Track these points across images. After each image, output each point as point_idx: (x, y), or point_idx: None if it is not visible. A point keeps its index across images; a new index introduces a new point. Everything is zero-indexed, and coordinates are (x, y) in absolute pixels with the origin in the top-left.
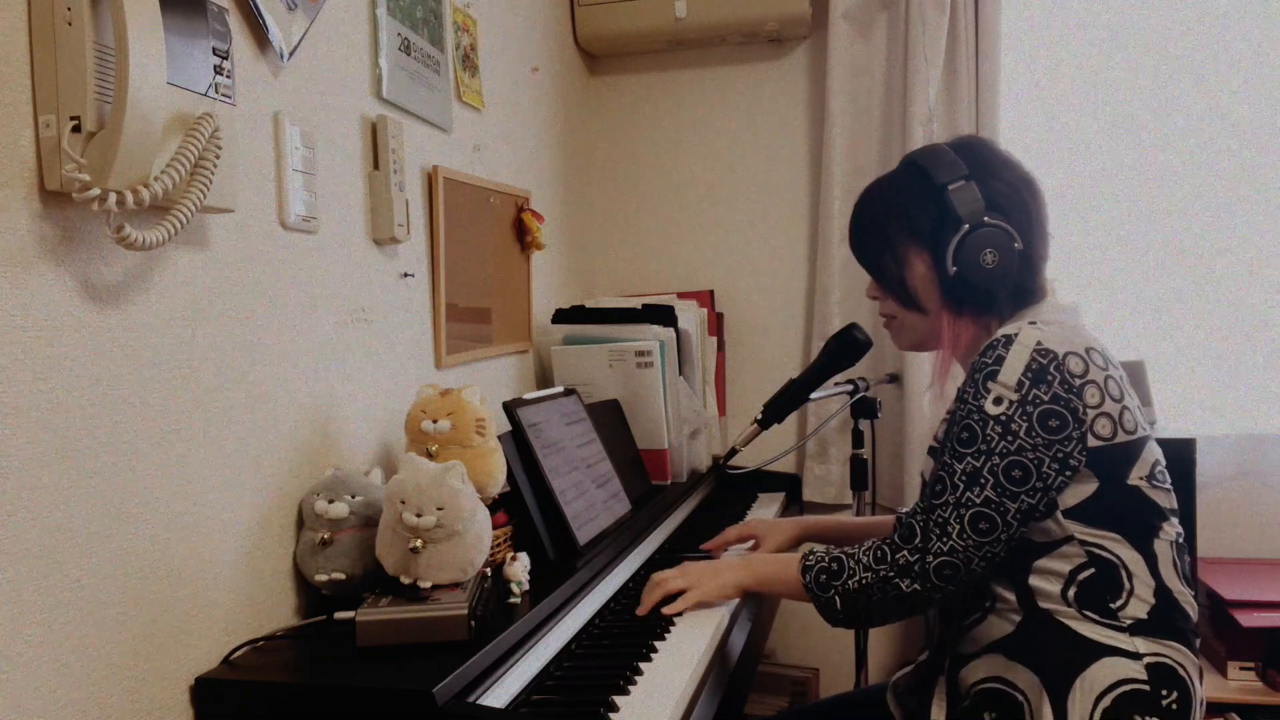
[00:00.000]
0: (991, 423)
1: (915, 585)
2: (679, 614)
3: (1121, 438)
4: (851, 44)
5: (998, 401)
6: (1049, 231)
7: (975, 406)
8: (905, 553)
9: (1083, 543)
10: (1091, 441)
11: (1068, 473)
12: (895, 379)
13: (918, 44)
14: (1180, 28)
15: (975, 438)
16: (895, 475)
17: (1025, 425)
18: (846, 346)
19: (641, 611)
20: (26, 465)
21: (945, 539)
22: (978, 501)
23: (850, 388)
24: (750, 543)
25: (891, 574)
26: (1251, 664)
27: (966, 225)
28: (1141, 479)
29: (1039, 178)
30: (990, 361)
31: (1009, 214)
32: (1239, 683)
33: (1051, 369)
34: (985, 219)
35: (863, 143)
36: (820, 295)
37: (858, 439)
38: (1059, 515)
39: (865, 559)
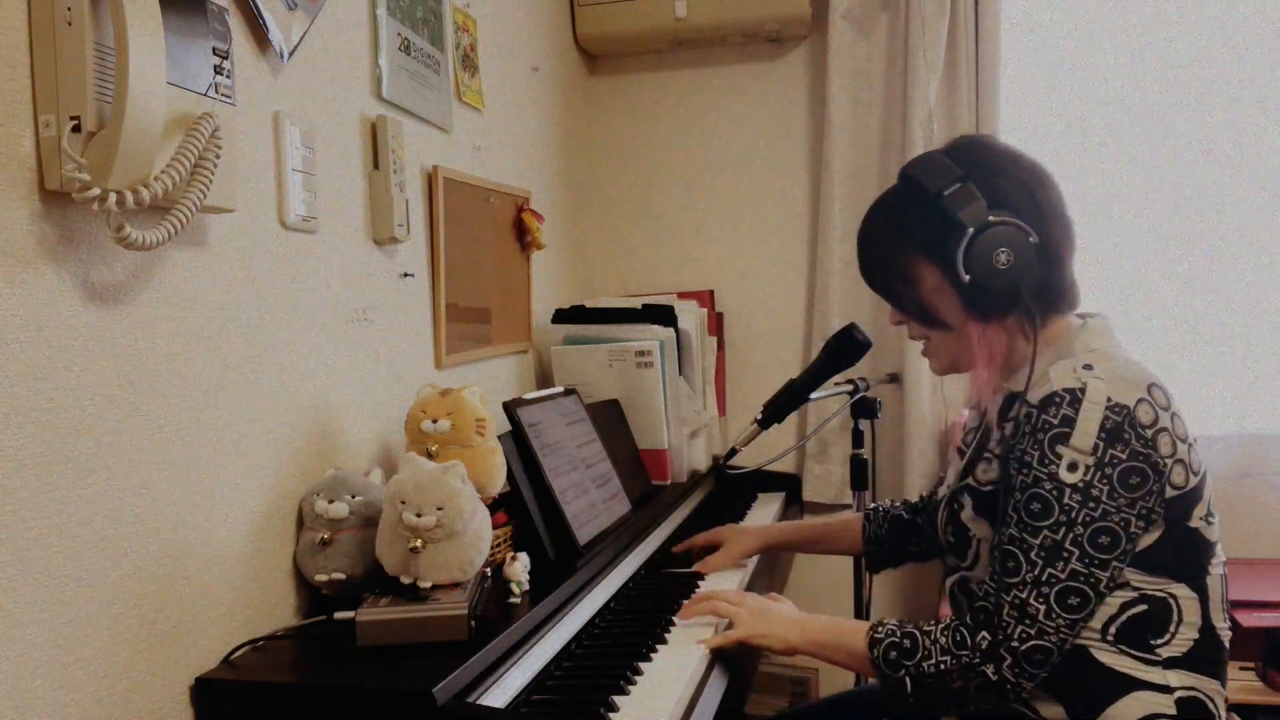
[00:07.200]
0: (1069, 491)
1: (1004, 672)
2: (718, 648)
3: (1192, 482)
4: (851, 44)
5: (1073, 468)
6: (1070, 219)
7: (1046, 474)
8: (985, 634)
9: (1137, 588)
10: (1169, 492)
11: (1150, 527)
12: (895, 379)
13: (918, 44)
14: (1180, 28)
15: (1051, 509)
16: (895, 475)
17: (1106, 488)
18: (846, 346)
19: (683, 618)
20: (26, 465)
21: (1029, 622)
22: (1063, 576)
23: (850, 388)
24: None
25: (976, 660)
26: (1251, 664)
27: (971, 229)
28: (1201, 519)
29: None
30: (1056, 422)
31: (1016, 209)
32: (1239, 683)
33: (1126, 426)
34: (990, 219)
35: (863, 143)
36: (820, 295)
37: (858, 439)
38: None
39: (943, 640)
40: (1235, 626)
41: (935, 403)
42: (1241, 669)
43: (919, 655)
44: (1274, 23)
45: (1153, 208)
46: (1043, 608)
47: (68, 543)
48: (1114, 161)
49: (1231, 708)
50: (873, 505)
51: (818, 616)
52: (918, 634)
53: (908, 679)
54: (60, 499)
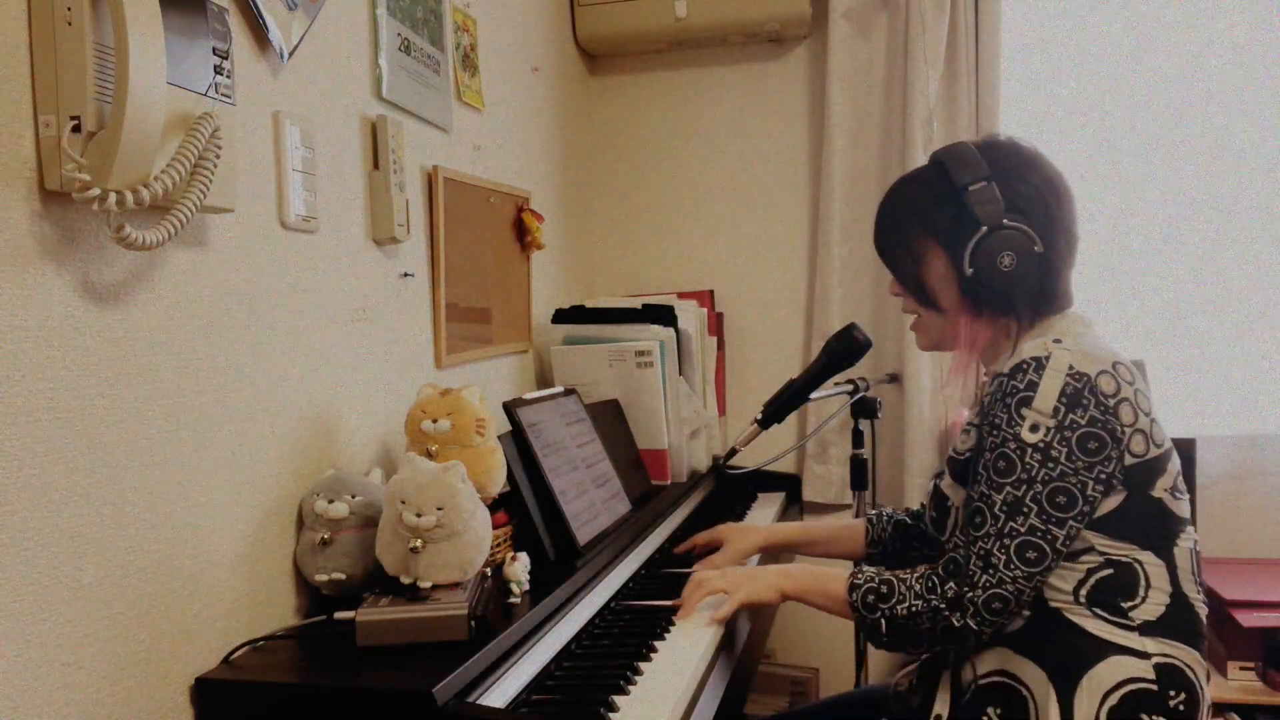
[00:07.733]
0: (1030, 450)
1: (968, 620)
2: (724, 617)
3: (1153, 452)
4: (851, 44)
5: (1034, 429)
6: (1077, 234)
7: (1011, 434)
8: (953, 584)
9: (1102, 553)
10: (1128, 460)
11: (1110, 493)
12: (895, 379)
13: (918, 44)
14: (1180, 28)
15: (1014, 466)
16: (895, 475)
17: (1065, 450)
18: (846, 346)
19: (683, 616)
20: (26, 465)
21: (993, 571)
22: (1022, 530)
23: (850, 388)
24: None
25: (943, 606)
26: (1251, 664)
27: (984, 227)
28: (1165, 491)
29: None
30: (1022, 387)
31: (1030, 216)
32: (1239, 683)
33: (1086, 392)
34: (1004, 221)
35: (863, 142)
36: (820, 295)
37: (858, 439)
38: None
39: (917, 586)
40: (1235, 626)
41: (935, 403)
42: (1242, 669)
43: (894, 599)
44: (1273, 23)
45: (1152, 207)
46: (1003, 558)
47: (68, 543)
48: (1114, 160)
49: (1231, 708)
50: (875, 510)
51: (801, 565)
52: (894, 580)
53: (883, 620)
54: (60, 499)
